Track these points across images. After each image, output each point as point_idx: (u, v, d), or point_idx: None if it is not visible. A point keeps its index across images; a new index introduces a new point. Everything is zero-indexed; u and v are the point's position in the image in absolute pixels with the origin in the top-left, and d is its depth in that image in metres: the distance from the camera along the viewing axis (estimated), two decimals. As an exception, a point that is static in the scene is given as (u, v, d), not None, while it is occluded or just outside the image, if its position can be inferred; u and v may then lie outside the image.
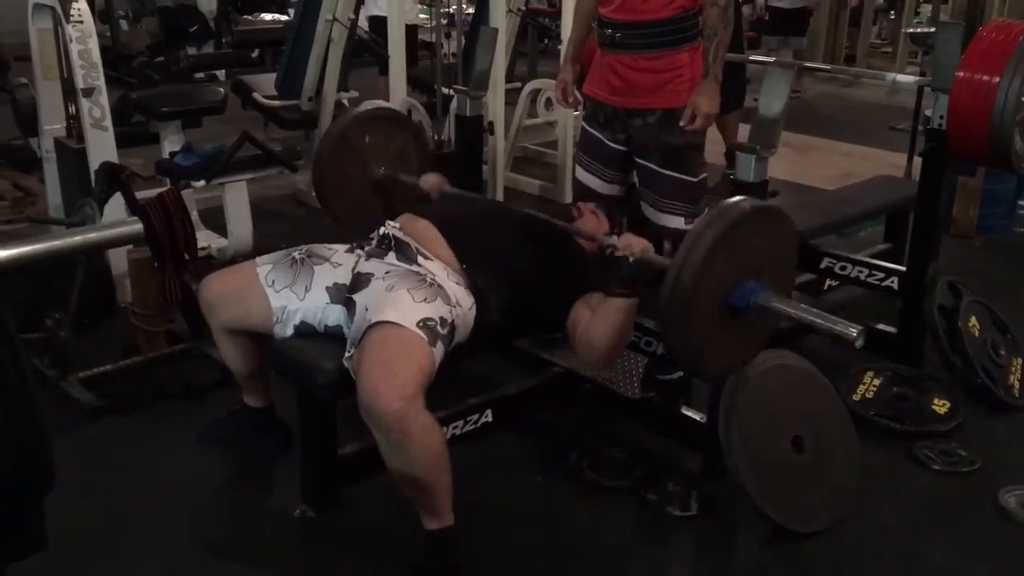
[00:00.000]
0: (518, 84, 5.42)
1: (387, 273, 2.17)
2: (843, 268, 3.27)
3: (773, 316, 2.00)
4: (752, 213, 1.93)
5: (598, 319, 2.20)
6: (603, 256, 2.25)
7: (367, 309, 2.07)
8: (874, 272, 3.22)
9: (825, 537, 2.26)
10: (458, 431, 2.37)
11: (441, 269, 2.22)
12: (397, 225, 2.34)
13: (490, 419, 2.46)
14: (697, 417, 2.50)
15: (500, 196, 4.45)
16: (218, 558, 2.20)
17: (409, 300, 2.05)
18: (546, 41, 8.09)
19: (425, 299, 2.07)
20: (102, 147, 3.23)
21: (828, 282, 3.46)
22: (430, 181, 2.75)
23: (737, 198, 1.98)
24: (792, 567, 2.20)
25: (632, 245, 2.13)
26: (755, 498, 2.20)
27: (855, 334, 1.85)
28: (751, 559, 2.29)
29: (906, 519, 2.37)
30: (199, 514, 2.34)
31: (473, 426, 2.42)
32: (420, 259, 2.23)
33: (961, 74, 2.68)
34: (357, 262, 2.27)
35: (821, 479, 2.31)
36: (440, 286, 2.14)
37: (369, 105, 3.00)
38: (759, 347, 2.16)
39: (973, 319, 2.96)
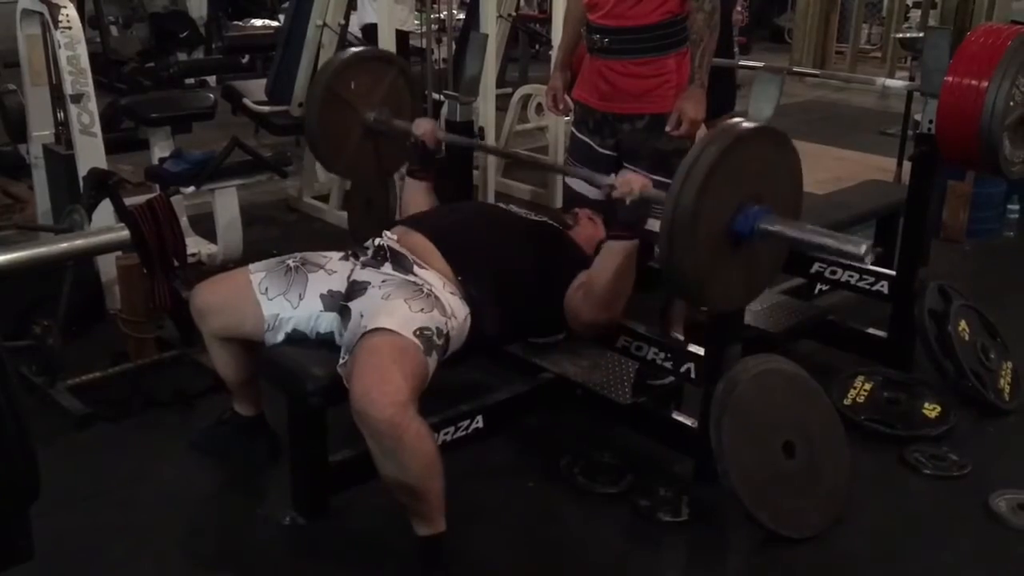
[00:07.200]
0: (509, 90, 5.42)
1: (384, 282, 2.17)
2: (833, 272, 3.27)
3: (778, 245, 1.95)
4: (752, 133, 1.89)
5: (599, 267, 2.19)
6: (599, 253, 2.24)
7: (363, 316, 2.07)
8: (864, 276, 3.22)
9: (817, 542, 2.26)
10: (449, 437, 2.36)
11: (437, 279, 2.22)
12: (394, 237, 2.34)
13: (481, 425, 2.45)
14: (688, 422, 2.50)
15: (491, 201, 4.45)
16: (208, 566, 2.19)
17: (406, 309, 2.05)
18: (537, 47, 8.09)
19: (422, 309, 2.06)
20: (91, 153, 3.22)
21: (819, 287, 3.47)
22: (423, 127, 2.70)
23: (736, 120, 1.92)
24: (784, 572, 2.20)
25: (631, 182, 2.10)
26: (746, 503, 2.20)
27: (863, 250, 1.83)
28: (743, 564, 2.29)
29: (897, 523, 2.38)
30: (189, 522, 2.34)
31: (464, 432, 2.41)
32: (416, 269, 2.23)
33: (950, 79, 2.68)
34: (352, 270, 2.27)
35: (813, 484, 2.31)
36: (436, 297, 2.14)
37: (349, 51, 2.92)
38: (764, 281, 2.10)
39: (963, 323, 2.96)
